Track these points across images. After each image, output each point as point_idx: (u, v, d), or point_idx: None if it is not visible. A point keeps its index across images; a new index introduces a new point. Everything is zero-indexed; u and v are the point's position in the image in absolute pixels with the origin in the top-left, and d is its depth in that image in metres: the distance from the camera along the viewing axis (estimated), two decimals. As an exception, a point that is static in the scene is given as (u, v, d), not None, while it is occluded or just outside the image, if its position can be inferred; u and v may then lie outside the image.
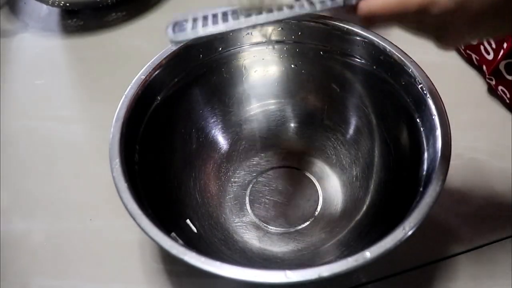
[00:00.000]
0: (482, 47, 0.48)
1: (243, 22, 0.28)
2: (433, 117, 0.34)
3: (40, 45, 0.60)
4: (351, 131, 0.43)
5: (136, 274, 0.39)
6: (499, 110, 0.49)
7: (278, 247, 0.39)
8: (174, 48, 0.39)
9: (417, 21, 0.27)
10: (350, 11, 0.28)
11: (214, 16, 0.28)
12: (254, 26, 0.28)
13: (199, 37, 0.27)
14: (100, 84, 0.55)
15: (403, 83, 0.37)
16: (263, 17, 0.27)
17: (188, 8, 0.59)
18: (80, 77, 0.57)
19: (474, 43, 0.49)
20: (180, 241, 0.30)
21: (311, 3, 0.27)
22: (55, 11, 0.64)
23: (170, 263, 0.39)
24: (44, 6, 0.64)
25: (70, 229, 0.42)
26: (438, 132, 0.33)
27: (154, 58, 0.39)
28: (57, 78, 0.56)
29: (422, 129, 0.35)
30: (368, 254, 0.27)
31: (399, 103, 0.38)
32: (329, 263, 0.27)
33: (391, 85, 0.38)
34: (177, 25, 0.28)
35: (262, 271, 0.28)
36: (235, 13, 0.28)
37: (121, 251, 0.41)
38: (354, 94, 0.42)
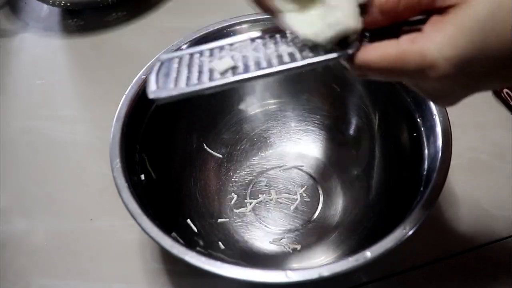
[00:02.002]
0: None
1: (234, 77, 0.24)
2: (434, 117, 0.34)
3: (40, 45, 0.60)
4: (351, 131, 0.43)
5: (136, 274, 0.39)
6: (501, 111, 0.48)
7: (278, 247, 0.39)
8: (174, 48, 0.39)
9: (414, 81, 0.26)
10: (345, 62, 0.27)
11: (200, 67, 0.25)
12: (246, 80, 0.24)
13: (183, 94, 0.24)
14: (101, 84, 0.55)
15: (404, 83, 0.37)
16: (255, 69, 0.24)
17: (189, 8, 0.60)
18: (81, 77, 0.57)
19: None
20: (181, 241, 0.30)
21: (303, 57, 0.24)
22: (56, 11, 0.64)
23: (171, 263, 0.39)
24: (45, 6, 0.64)
25: (70, 229, 0.42)
26: (439, 132, 0.33)
27: (155, 58, 0.39)
28: (57, 78, 0.56)
29: (422, 129, 0.35)
30: (369, 253, 0.27)
31: (400, 103, 0.37)
32: (329, 263, 0.27)
33: (392, 85, 0.38)
34: (160, 75, 0.24)
35: (263, 271, 0.28)
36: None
37: (121, 251, 0.41)
38: (354, 94, 0.42)
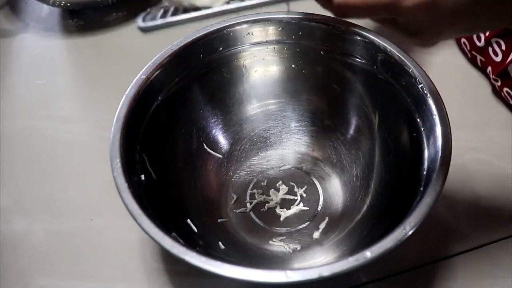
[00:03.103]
0: (490, 49, 0.48)
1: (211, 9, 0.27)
2: (434, 117, 0.34)
3: (40, 45, 0.60)
4: (351, 131, 0.43)
5: (136, 274, 0.39)
6: (501, 111, 0.48)
7: (278, 247, 0.40)
8: (174, 48, 0.39)
9: (391, 15, 0.27)
10: (322, 2, 0.27)
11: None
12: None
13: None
14: (101, 84, 0.55)
15: (404, 83, 0.37)
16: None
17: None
18: (81, 77, 0.57)
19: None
20: (181, 241, 0.30)
21: None
22: (56, 11, 0.64)
23: (171, 263, 0.39)
24: (45, 6, 0.64)
25: (71, 229, 0.42)
26: (439, 132, 0.33)
27: (155, 58, 0.39)
28: (57, 78, 0.56)
29: (422, 129, 0.35)
30: (369, 254, 0.27)
31: (400, 103, 0.38)
32: (329, 263, 0.27)
33: (392, 85, 0.38)
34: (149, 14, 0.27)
35: (263, 271, 0.28)
36: None
37: (121, 251, 0.41)
38: (354, 94, 0.42)
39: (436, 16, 0.25)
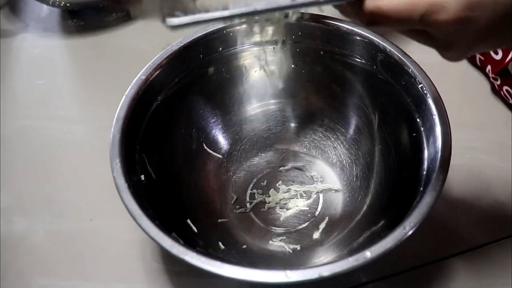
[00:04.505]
0: None
1: (242, 9, 0.27)
2: (434, 117, 0.34)
3: (40, 45, 0.60)
4: (351, 131, 0.43)
5: (136, 274, 0.39)
6: (501, 110, 0.48)
7: (278, 247, 0.39)
8: (174, 48, 0.39)
9: (424, 27, 0.26)
10: (351, 8, 0.27)
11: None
12: (253, 14, 0.27)
13: (196, 22, 0.27)
14: (101, 84, 0.55)
15: (404, 83, 0.37)
16: (264, 3, 0.27)
17: (188, 8, 0.60)
18: (81, 77, 0.57)
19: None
20: (181, 241, 0.30)
21: None
22: (56, 11, 0.64)
23: (171, 263, 0.39)
24: (45, 7, 0.64)
25: (70, 229, 0.42)
26: (438, 132, 0.33)
27: (155, 58, 0.39)
28: (57, 78, 0.56)
29: (422, 129, 0.35)
30: (369, 254, 0.27)
31: (400, 103, 0.38)
32: (329, 263, 0.27)
33: (392, 85, 0.38)
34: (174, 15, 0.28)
35: (263, 271, 0.28)
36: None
37: (121, 251, 0.41)
38: (354, 94, 0.42)
39: (469, 31, 0.25)
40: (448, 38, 0.26)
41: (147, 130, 0.37)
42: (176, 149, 0.42)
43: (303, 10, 0.29)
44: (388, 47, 0.37)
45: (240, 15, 0.27)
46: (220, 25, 0.40)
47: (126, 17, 0.62)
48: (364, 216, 0.39)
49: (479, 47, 0.27)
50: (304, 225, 0.41)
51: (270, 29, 0.42)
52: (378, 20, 0.26)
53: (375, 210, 0.39)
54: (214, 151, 0.44)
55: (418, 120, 0.36)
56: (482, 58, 0.50)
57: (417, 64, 0.36)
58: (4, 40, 0.61)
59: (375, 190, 0.40)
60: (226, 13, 0.27)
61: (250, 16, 0.27)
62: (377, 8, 0.25)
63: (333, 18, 0.40)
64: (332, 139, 0.44)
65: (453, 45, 0.27)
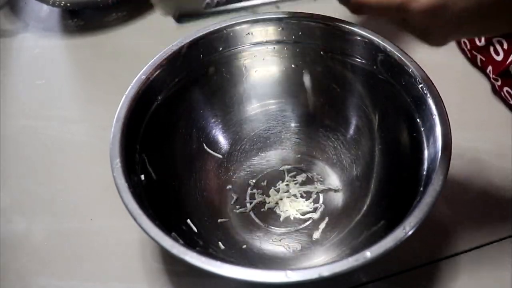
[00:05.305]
0: (491, 48, 0.48)
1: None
2: (434, 117, 0.34)
3: (40, 45, 0.60)
4: (351, 131, 0.43)
5: (136, 274, 0.39)
6: (501, 110, 0.48)
7: (279, 247, 0.40)
8: (174, 48, 0.39)
9: (401, 17, 0.28)
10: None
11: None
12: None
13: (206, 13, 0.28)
14: (101, 84, 0.55)
15: (404, 83, 0.37)
16: None
17: (189, 8, 0.60)
18: (81, 77, 0.57)
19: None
20: (181, 241, 0.30)
21: None
22: (56, 11, 0.64)
23: (171, 263, 0.39)
24: (45, 6, 0.64)
25: (70, 229, 0.42)
26: (438, 132, 0.33)
27: (155, 58, 0.39)
28: (57, 78, 0.56)
29: (422, 129, 0.35)
30: (369, 254, 0.27)
31: (400, 103, 0.38)
32: (329, 263, 0.27)
33: (392, 85, 0.38)
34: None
35: (263, 271, 0.28)
36: None
37: (121, 251, 0.41)
38: (354, 94, 0.42)
39: (444, 19, 0.27)
40: (424, 26, 0.28)
41: (147, 130, 0.37)
42: (176, 149, 0.42)
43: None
44: (388, 47, 0.37)
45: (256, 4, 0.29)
46: (221, 24, 0.41)
47: (126, 17, 0.62)
48: (364, 216, 0.39)
49: (456, 35, 0.30)
50: (304, 225, 0.41)
51: (270, 29, 0.42)
52: (361, 9, 0.30)
53: (375, 210, 0.39)
54: (214, 151, 0.44)
55: (418, 120, 0.36)
56: (483, 59, 0.50)
57: (417, 64, 0.36)
58: (4, 40, 0.61)
59: (375, 190, 0.40)
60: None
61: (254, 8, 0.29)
62: (359, 1, 0.29)
63: (333, 18, 0.40)
64: (332, 139, 0.44)
65: (430, 33, 0.29)
